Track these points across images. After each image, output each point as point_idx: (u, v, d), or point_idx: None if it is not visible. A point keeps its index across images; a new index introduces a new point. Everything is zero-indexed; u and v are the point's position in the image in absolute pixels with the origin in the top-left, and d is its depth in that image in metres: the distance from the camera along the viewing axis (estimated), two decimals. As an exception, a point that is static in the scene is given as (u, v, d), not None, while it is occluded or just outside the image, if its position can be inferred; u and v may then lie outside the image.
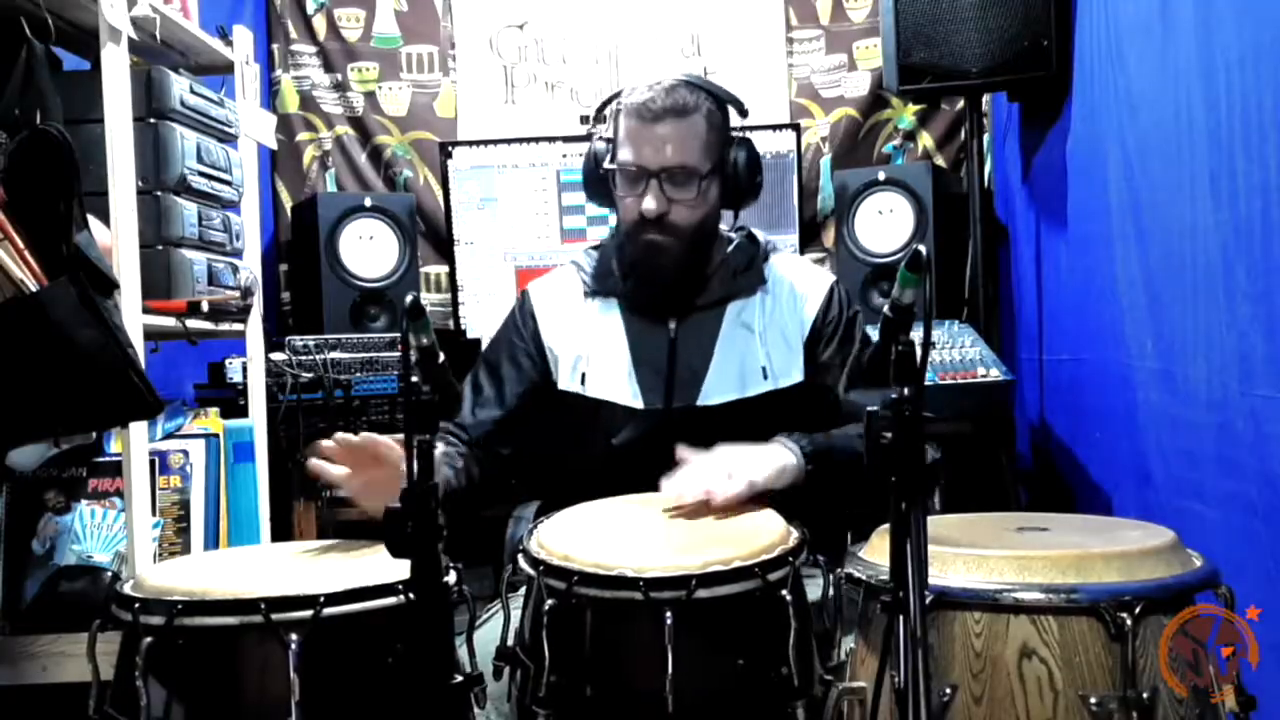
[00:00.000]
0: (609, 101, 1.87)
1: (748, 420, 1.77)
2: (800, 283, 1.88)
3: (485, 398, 1.88)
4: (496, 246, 3.21)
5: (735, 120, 1.86)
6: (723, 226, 1.91)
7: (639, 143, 1.75)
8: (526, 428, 1.87)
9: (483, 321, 3.15)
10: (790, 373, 1.81)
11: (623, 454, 1.78)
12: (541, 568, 1.37)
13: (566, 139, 3.13)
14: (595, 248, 1.95)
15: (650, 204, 1.74)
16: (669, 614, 1.25)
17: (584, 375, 1.83)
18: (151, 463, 1.97)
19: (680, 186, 1.75)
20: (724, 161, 1.80)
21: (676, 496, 1.56)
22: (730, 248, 1.88)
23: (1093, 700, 1.22)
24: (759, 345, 1.81)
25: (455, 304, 3.23)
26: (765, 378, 1.79)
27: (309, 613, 1.30)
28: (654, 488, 1.63)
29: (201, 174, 2.14)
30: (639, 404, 1.80)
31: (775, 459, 1.63)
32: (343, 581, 1.34)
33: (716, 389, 1.79)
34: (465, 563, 1.44)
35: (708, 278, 1.85)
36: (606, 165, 1.81)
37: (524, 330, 1.90)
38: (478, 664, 1.41)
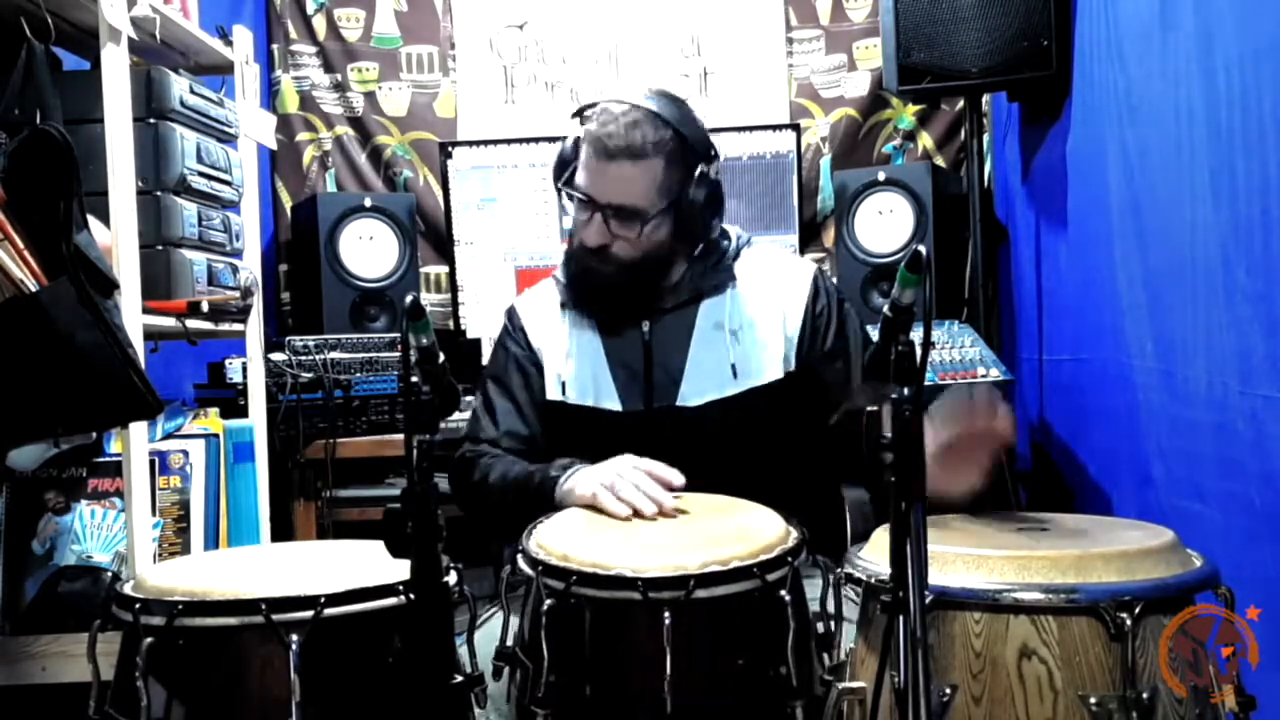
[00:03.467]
0: (589, 106, 1.83)
1: (729, 419, 1.78)
2: (778, 276, 1.88)
3: (503, 411, 1.88)
4: (496, 246, 3.20)
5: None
6: None
7: (592, 175, 1.77)
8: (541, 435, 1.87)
9: (483, 321, 3.14)
10: (768, 370, 1.81)
11: (606, 456, 1.77)
12: (540, 568, 1.37)
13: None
14: (567, 260, 1.94)
15: (592, 237, 1.77)
16: (668, 614, 1.25)
17: (564, 384, 1.84)
18: (151, 463, 1.97)
19: (625, 223, 1.76)
20: (680, 200, 1.76)
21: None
22: (698, 248, 1.86)
23: (1092, 700, 1.22)
24: (729, 344, 1.81)
25: (455, 304, 3.23)
26: (735, 376, 1.79)
27: (309, 613, 1.30)
28: None
29: (201, 174, 2.14)
30: (619, 407, 1.81)
31: None
32: (343, 581, 1.34)
33: (695, 389, 1.80)
34: (465, 563, 1.45)
35: (677, 279, 1.85)
36: (562, 184, 1.82)
37: (520, 341, 1.92)
38: (478, 664, 1.41)
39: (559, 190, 1.85)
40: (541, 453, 1.83)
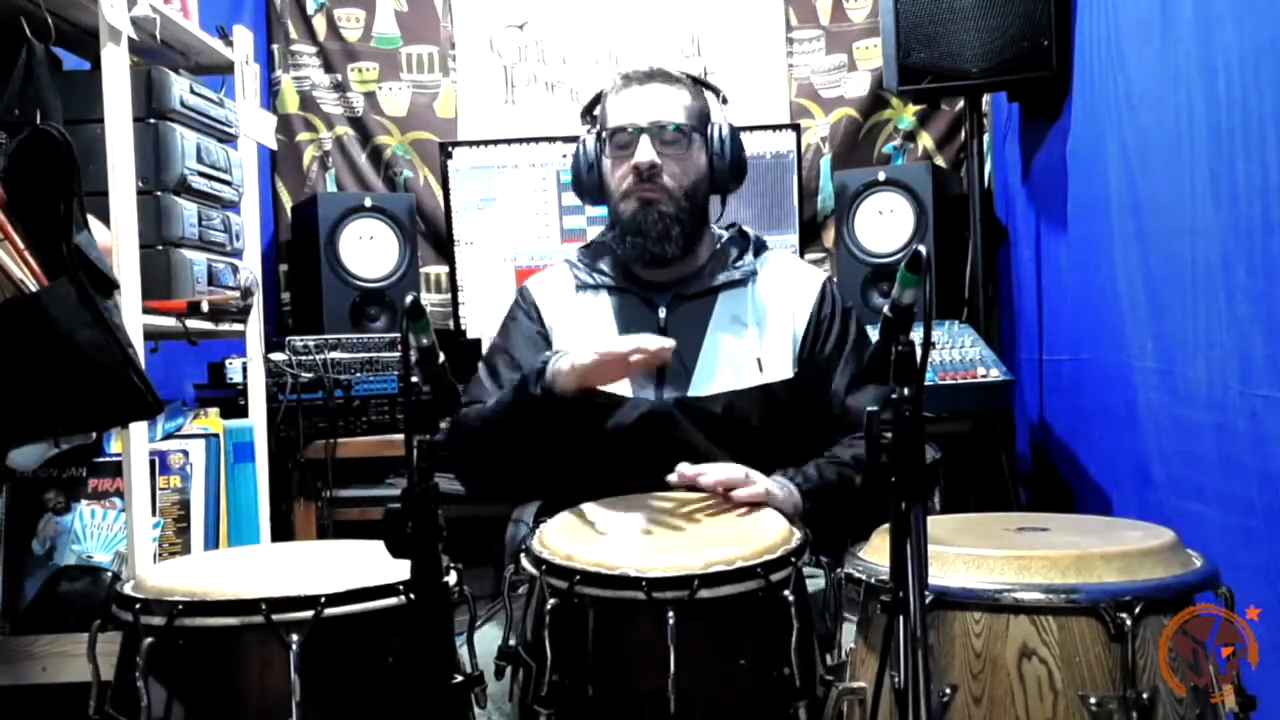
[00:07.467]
0: (595, 102, 1.91)
1: (739, 413, 1.78)
2: (791, 280, 1.89)
3: (509, 381, 1.83)
4: (496, 247, 3.20)
5: (736, 120, 1.89)
6: (714, 227, 1.92)
7: (627, 105, 1.83)
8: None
9: (483, 321, 3.14)
10: (780, 368, 1.81)
11: (614, 444, 1.77)
12: (544, 567, 1.37)
13: (566, 139, 3.11)
14: (587, 246, 1.97)
15: (643, 154, 1.79)
16: (671, 614, 1.25)
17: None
18: (151, 463, 1.97)
19: (669, 143, 1.81)
20: (707, 134, 1.86)
21: (694, 474, 1.58)
22: (720, 242, 1.90)
23: (1093, 700, 1.22)
24: (753, 337, 1.81)
25: (455, 304, 3.23)
26: (760, 369, 1.79)
27: (309, 613, 1.30)
28: (647, 478, 1.63)
29: (201, 174, 2.14)
30: (628, 392, 1.80)
31: (785, 488, 1.66)
32: (343, 581, 1.34)
33: (707, 381, 1.79)
34: (465, 563, 1.45)
35: (698, 269, 1.86)
36: (597, 142, 1.86)
37: (531, 317, 1.91)
38: (478, 664, 1.41)
39: (593, 164, 1.86)
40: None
